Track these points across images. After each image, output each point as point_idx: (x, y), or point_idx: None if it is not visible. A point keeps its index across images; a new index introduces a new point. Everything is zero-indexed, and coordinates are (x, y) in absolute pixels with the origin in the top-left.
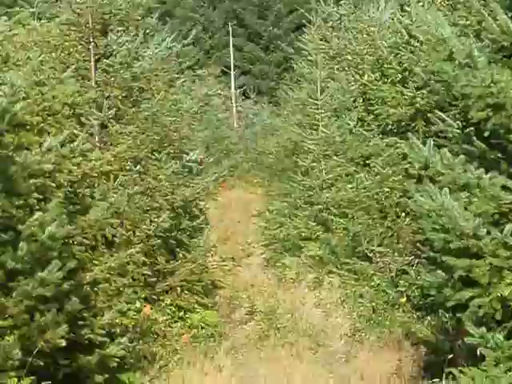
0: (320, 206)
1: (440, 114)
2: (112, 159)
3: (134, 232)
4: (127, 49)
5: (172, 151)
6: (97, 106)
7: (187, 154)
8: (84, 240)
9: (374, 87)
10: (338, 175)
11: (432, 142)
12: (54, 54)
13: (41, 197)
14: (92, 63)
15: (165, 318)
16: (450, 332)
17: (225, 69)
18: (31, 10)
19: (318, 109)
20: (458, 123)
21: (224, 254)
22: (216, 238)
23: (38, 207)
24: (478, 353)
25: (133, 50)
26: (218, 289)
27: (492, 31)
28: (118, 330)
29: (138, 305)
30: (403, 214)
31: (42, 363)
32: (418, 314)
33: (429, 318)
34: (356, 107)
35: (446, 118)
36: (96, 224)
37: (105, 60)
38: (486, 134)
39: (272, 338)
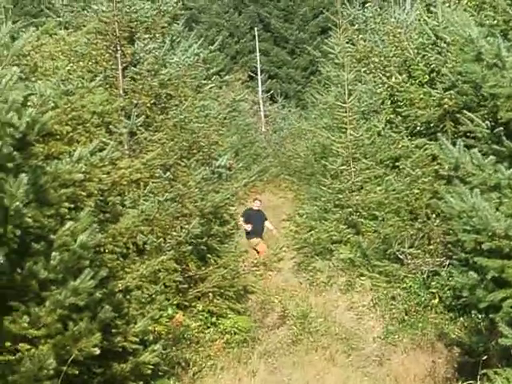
0: (350, 209)
1: (469, 114)
2: (141, 167)
3: (164, 239)
4: (154, 56)
5: (201, 157)
6: (125, 113)
7: (216, 159)
8: (115, 248)
9: (402, 89)
10: (367, 178)
11: (462, 143)
12: (81, 63)
13: (72, 206)
14: (119, 71)
15: (197, 324)
16: (484, 333)
17: (251, 74)
18: (58, 19)
19: (345, 112)
20: (487, 123)
21: (255, 258)
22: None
23: (69, 216)
24: None
25: (160, 57)
26: (250, 294)
27: None
28: (151, 337)
29: (170, 311)
30: (434, 216)
31: (76, 372)
32: (450, 315)
33: (462, 319)
34: (384, 109)
35: (475, 119)
36: (127, 232)
37: (132, 68)
38: None
39: (305, 342)
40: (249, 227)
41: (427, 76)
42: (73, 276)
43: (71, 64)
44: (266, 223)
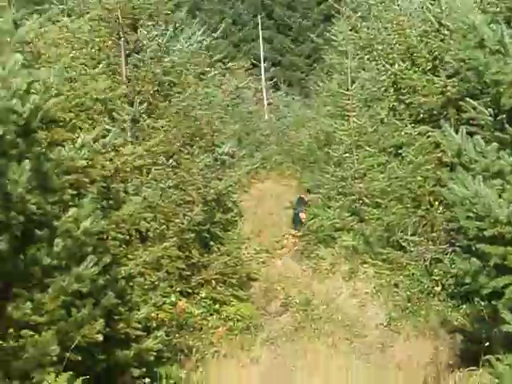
0: (353, 197)
1: (471, 101)
2: (144, 153)
3: (167, 226)
4: (157, 43)
5: (204, 144)
6: (128, 101)
7: (219, 147)
8: (118, 235)
9: (405, 76)
10: (370, 165)
11: (464, 130)
12: (84, 50)
13: (75, 192)
14: (123, 58)
15: (200, 311)
16: (486, 320)
17: (255, 61)
18: (61, 6)
19: (349, 99)
20: (490, 110)
21: (258, 246)
22: (250, 230)
23: (72, 203)
24: None
25: (163, 44)
26: (253, 281)
27: None
28: (154, 324)
29: (173, 298)
30: (437, 203)
31: (79, 358)
32: (453, 302)
33: (464, 306)
34: (387, 97)
35: (478, 106)
36: (130, 218)
37: (135, 55)
38: None
39: (307, 329)
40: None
41: (430, 63)
42: (76, 262)
43: (74, 51)
44: None
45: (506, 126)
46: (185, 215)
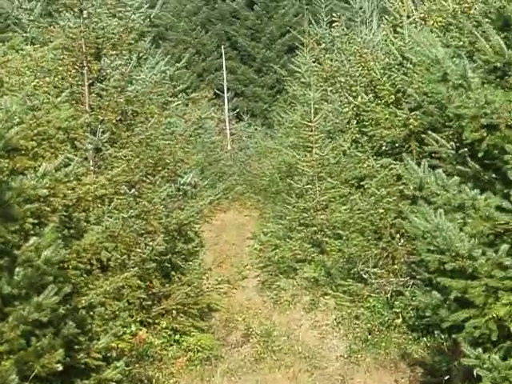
0: (315, 228)
1: (434, 134)
2: (106, 183)
3: (128, 256)
4: (121, 73)
5: (166, 174)
6: (91, 130)
7: (182, 177)
8: (79, 264)
9: (368, 109)
10: (332, 197)
11: (426, 163)
12: (47, 78)
13: (36, 221)
14: (86, 87)
15: (160, 341)
16: (446, 353)
17: (218, 91)
18: (24, 34)
19: (311, 131)
20: (452, 144)
21: (219, 276)
22: (211, 260)
23: (33, 232)
24: (475, 374)
25: (126, 73)
26: (214, 312)
27: (485, 52)
28: (114, 354)
29: (133, 328)
30: (398, 235)
31: None
32: (413, 335)
33: (425, 338)
34: (350, 129)
35: (440, 139)
36: (91, 248)
37: (98, 84)
38: (480, 154)
39: (268, 360)
40: None
41: (393, 96)
42: (36, 292)
43: (37, 79)
44: None
45: (468, 159)
46: (146, 245)
